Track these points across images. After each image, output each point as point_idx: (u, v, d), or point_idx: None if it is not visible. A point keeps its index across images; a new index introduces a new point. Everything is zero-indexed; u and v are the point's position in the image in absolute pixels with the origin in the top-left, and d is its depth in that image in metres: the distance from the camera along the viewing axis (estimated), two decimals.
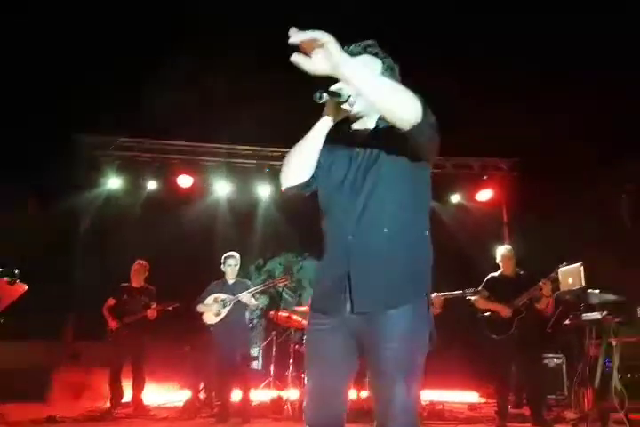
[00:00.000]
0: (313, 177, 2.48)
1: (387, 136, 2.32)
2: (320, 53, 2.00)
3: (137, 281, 7.81)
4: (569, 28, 8.84)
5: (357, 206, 2.29)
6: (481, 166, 10.72)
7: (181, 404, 7.73)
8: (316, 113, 2.52)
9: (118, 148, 10.30)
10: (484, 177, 10.73)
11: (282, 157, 2.67)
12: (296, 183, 2.46)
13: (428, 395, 8.21)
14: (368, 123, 2.50)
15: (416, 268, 2.33)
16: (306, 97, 2.38)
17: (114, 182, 10.32)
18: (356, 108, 2.40)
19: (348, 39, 2.48)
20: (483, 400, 8.94)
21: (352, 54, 2.42)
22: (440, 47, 9.23)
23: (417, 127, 2.10)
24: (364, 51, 2.49)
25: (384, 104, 2.11)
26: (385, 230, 2.29)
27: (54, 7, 8.55)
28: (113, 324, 7.49)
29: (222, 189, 10.50)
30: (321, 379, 2.32)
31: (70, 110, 9.05)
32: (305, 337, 2.42)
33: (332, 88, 2.32)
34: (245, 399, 6.98)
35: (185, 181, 10.24)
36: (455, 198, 10.75)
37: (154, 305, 7.59)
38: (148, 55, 9.14)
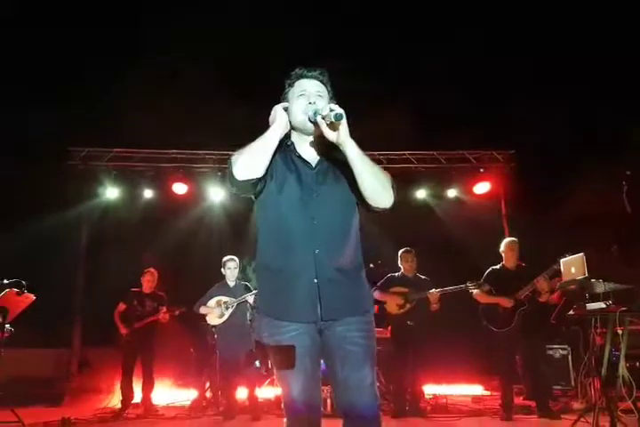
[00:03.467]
0: (263, 180, 2.49)
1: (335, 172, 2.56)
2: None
3: (148, 287, 7.91)
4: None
5: (317, 226, 2.46)
6: (477, 159, 10.59)
7: (188, 403, 7.93)
8: None
9: (114, 158, 10.33)
10: (481, 170, 10.56)
11: None
12: (251, 177, 2.40)
13: (432, 389, 8.24)
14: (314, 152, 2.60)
15: (365, 280, 2.62)
16: None
17: (111, 192, 10.39)
18: (338, 136, 2.34)
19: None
20: (487, 393, 8.85)
21: (305, 77, 2.57)
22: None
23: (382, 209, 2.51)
24: (316, 77, 2.58)
25: (372, 186, 2.42)
26: (345, 245, 2.51)
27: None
28: (123, 330, 7.63)
29: (217, 194, 10.53)
30: (302, 380, 2.43)
31: (66, 124, 9.07)
32: (274, 341, 2.48)
33: (332, 110, 2.28)
34: (253, 397, 7.14)
35: (180, 188, 10.30)
36: (452, 193, 10.57)
37: (163, 309, 7.64)
38: (140, 65, 9.15)
